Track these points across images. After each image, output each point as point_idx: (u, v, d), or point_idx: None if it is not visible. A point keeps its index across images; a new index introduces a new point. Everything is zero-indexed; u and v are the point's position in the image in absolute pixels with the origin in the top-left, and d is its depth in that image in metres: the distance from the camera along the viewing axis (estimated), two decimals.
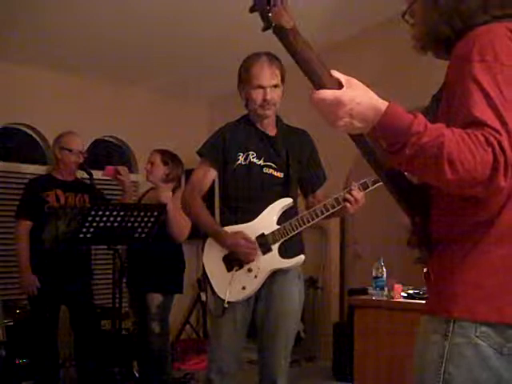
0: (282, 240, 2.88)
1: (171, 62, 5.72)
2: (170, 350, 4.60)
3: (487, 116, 1.26)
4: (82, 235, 3.79)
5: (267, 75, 2.88)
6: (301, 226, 2.86)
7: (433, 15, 1.49)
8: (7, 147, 5.75)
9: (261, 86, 2.89)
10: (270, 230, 2.88)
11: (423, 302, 1.52)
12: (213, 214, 3.28)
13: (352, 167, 5.61)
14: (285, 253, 2.89)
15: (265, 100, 2.90)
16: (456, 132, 1.26)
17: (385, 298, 3.95)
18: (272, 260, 2.88)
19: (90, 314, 4.43)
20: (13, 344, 4.21)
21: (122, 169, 4.39)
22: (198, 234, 3.14)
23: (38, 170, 5.50)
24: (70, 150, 4.33)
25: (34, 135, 5.78)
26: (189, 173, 3.60)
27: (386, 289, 3.98)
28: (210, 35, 5.21)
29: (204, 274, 2.98)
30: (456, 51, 1.41)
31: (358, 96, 1.32)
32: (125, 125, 6.13)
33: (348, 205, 2.78)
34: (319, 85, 1.34)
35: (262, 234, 2.88)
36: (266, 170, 2.96)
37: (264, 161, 2.96)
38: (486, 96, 1.28)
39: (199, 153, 3.04)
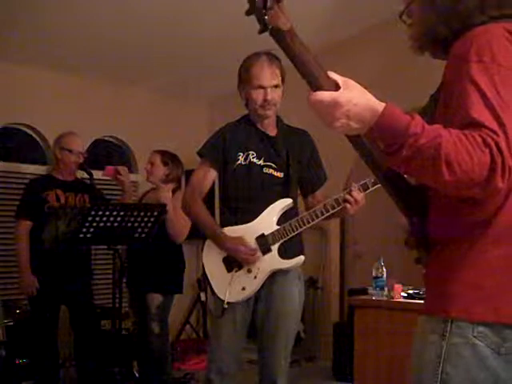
0: (281, 241, 2.88)
1: (171, 62, 5.72)
2: (170, 350, 4.60)
3: (485, 117, 1.26)
4: (81, 235, 3.80)
5: (268, 75, 2.88)
6: (301, 227, 2.86)
7: (430, 15, 1.49)
8: (7, 147, 5.75)
9: (261, 86, 2.89)
10: (270, 231, 2.88)
11: (423, 302, 1.53)
12: (213, 214, 3.28)
13: (353, 167, 5.61)
14: (284, 253, 2.89)
15: (265, 100, 2.90)
16: (453, 133, 1.26)
17: (385, 298, 3.95)
18: (272, 260, 2.88)
19: (90, 314, 4.43)
20: (13, 344, 4.21)
21: (122, 169, 4.39)
22: (198, 234, 3.14)
23: (37, 169, 5.51)
24: (71, 151, 4.33)
25: (34, 135, 5.78)
26: (189, 173, 3.60)
27: (385, 289, 3.98)
28: (209, 35, 5.21)
29: (204, 274, 2.98)
30: (453, 51, 1.41)
31: (354, 97, 1.32)
32: (125, 125, 6.13)
33: (348, 205, 2.78)
34: (316, 86, 1.34)
35: (262, 235, 2.88)
36: (266, 170, 2.96)
37: (264, 161, 2.96)
38: (484, 97, 1.28)
39: (199, 153, 3.04)
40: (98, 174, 4.61)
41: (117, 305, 4.05)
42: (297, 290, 2.96)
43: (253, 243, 2.87)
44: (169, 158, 4.34)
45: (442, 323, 1.39)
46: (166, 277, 4.27)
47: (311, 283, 5.90)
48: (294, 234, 2.87)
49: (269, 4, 1.27)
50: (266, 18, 1.28)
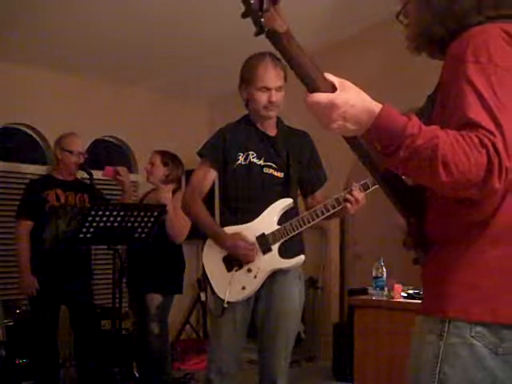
0: (282, 240, 2.88)
1: (171, 62, 5.71)
2: (170, 350, 4.60)
3: (481, 118, 1.26)
4: (81, 235, 3.80)
5: (273, 77, 2.86)
6: (301, 227, 2.86)
7: (426, 16, 1.49)
8: (7, 147, 5.75)
9: (266, 88, 2.88)
10: (271, 230, 2.88)
11: (420, 302, 1.53)
12: (213, 214, 3.29)
13: (353, 168, 5.61)
14: (285, 253, 2.89)
15: (270, 102, 2.90)
16: (450, 134, 1.26)
17: (385, 298, 3.95)
18: (272, 260, 2.88)
19: (90, 314, 4.43)
20: (13, 344, 4.21)
21: (122, 169, 4.40)
22: (198, 234, 3.14)
23: (38, 170, 5.51)
24: (71, 152, 4.34)
25: (34, 135, 5.78)
26: (189, 173, 3.60)
27: (385, 289, 3.98)
28: (210, 35, 5.21)
29: (204, 274, 2.98)
30: (450, 52, 1.41)
31: (351, 99, 1.32)
32: (125, 125, 6.13)
33: (348, 205, 2.79)
34: (313, 88, 1.34)
35: (263, 234, 2.88)
36: (266, 170, 2.96)
37: (264, 161, 2.96)
38: (480, 97, 1.28)
39: (199, 153, 3.04)
40: (97, 174, 4.61)
41: (117, 305, 4.05)
42: (297, 290, 2.96)
43: (254, 241, 2.87)
44: (169, 158, 4.34)
45: (440, 323, 1.39)
46: (166, 277, 4.27)
47: (311, 283, 5.90)
48: (294, 233, 2.87)
49: (265, 6, 1.26)
50: (262, 20, 1.27)
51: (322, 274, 6.08)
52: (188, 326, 6.40)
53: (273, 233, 2.88)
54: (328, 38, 5.50)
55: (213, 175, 3.01)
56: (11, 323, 4.31)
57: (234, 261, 2.88)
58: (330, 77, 1.36)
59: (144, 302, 4.23)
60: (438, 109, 1.43)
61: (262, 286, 2.89)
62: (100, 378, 4.32)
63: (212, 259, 2.93)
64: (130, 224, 3.86)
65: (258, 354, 3.00)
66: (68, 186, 4.36)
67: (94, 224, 3.76)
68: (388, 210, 1.57)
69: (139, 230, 3.93)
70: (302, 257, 2.94)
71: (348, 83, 1.35)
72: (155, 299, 4.21)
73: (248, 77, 2.91)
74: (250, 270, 2.87)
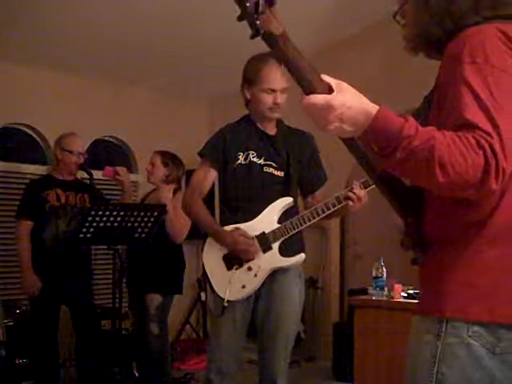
0: (282, 238, 2.88)
1: (171, 62, 5.71)
2: (170, 350, 4.60)
3: (478, 118, 1.26)
4: (81, 235, 3.80)
5: (278, 78, 2.86)
6: (301, 225, 2.87)
7: (424, 16, 1.49)
8: (7, 147, 5.75)
9: (272, 90, 2.88)
10: (271, 229, 2.88)
11: (417, 301, 1.53)
12: (213, 214, 3.28)
13: (354, 167, 5.61)
14: (285, 251, 2.89)
15: (275, 103, 2.90)
16: (447, 135, 1.26)
17: (385, 298, 3.95)
18: (272, 258, 2.87)
19: (91, 314, 4.43)
20: (13, 344, 4.21)
21: (121, 169, 4.39)
22: (198, 234, 3.14)
23: (38, 169, 5.51)
24: (71, 152, 4.34)
25: (34, 135, 5.78)
26: (189, 173, 3.61)
27: (386, 289, 3.98)
28: (210, 35, 5.21)
29: (204, 273, 2.98)
30: (447, 52, 1.41)
31: (348, 100, 1.32)
32: (125, 125, 6.13)
33: (350, 203, 2.78)
34: (310, 89, 1.34)
35: (263, 233, 2.88)
36: (266, 169, 2.96)
37: (264, 160, 2.96)
38: (477, 98, 1.28)
39: (200, 154, 3.04)
40: (97, 174, 4.61)
41: (117, 305, 4.05)
42: (297, 290, 2.96)
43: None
44: (169, 158, 4.34)
45: (437, 323, 1.39)
46: (166, 277, 4.27)
47: (311, 283, 5.90)
48: (294, 231, 2.87)
49: (260, 9, 1.25)
50: (258, 22, 1.26)
51: (322, 274, 6.08)
52: (188, 326, 6.40)
53: (273, 231, 2.88)
54: (329, 37, 5.50)
55: (213, 175, 3.01)
56: (11, 323, 4.31)
57: (234, 259, 2.88)
58: (326, 78, 1.36)
59: (144, 302, 4.23)
60: (434, 109, 1.43)
61: (263, 284, 2.89)
62: (100, 378, 4.32)
63: (212, 258, 2.93)
64: (130, 224, 3.86)
65: (258, 354, 3.00)
66: (68, 186, 4.36)
67: (94, 224, 3.76)
68: (388, 210, 1.57)
69: (139, 229, 3.93)
70: (303, 255, 2.94)
71: (345, 85, 1.35)
72: (155, 299, 4.21)
73: (252, 78, 2.91)
74: (250, 269, 2.87)
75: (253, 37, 1.29)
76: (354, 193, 2.77)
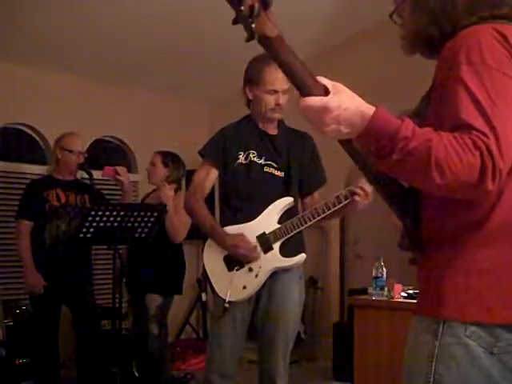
0: (283, 239, 2.88)
1: (171, 62, 5.71)
2: (169, 351, 4.59)
3: (475, 119, 1.26)
4: (82, 235, 3.79)
5: (280, 79, 2.85)
6: (302, 225, 2.86)
7: (421, 16, 1.48)
8: (7, 147, 5.75)
9: (274, 91, 2.88)
10: (271, 229, 2.88)
11: (416, 301, 1.53)
12: (213, 214, 3.28)
13: (352, 167, 5.61)
14: (286, 252, 2.89)
15: (277, 104, 2.91)
16: (444, 136, 1.26)
17: (385, 298, 3.96)
18: (273, 259, 2.87)
19: (91, 315, 4.42)
20: (13, 344, 4.21)
21: (121, 169, 4.39)
22: (199, 235, 3.14)
23: (38, 169, 5.51)
24: (71, 151, 4.34)
25: (34, 135, 5.78)
26: (190, 173, 3.60)
27: (386, 289, 3.98)
28: (210, 35, 5.21)
29: (204, 273, 2.98)
30: (443, 53, 1.41)
31: (344, 102, 1.32)
32: (125, 125, 6.13)
33: (357, 198, 2.77)
34: (306, 92, 1.34)
35: (263, 233, 2.88)
36: (266, 169, 2.96)
37: (265, 160, 2.96)
38: (474, 99, 1.28)
39: (201, 153, 3.04)
40: (97, 174, 4.60)
41: (117, 305, 4.04)
42: (298, 290, 2.96)
43: (254, 242, 2.87)
44: (170, 159, 4.34)
45: (435, 324, 1.39)
46: (166, 278, 4.27)
47: (311, 283, 5.90)
48: (295, 232, 2.87)
49: (256, 12, 1.24)
50: (253, 26, 1.25)
51: (322, 274, 6.08)
52: (188, 326, 6.40)
53: (274, 232, 2.88)
54: (329, 38, 5.50)
55: (214, 175, 3.01)
56: (11, 323, 4.31)
57: (235, 260, 2.88)
58: (322, 80, 1.35)
59: (144, 303, 4.23)
60: (431, 110, 1.43)
61: (263, 285, 2.89)
62: (100, 378, 4.32)
63: (213, 259, 2.93)
64: (130, 224, 3.86)
65: (258, 354, 3.00)
66: (68, 186, 4.35)
67: (94, 224, 3.76)
68: (388, 210, 1.57)
69: (139, 229, 3.92)
70: (304, 255, 2.94)
71: (341, 86, 1.35)
72: (155, 300, 4.21)
73: (254, 78, 2.91)
74: (251, 270, 2.87)
75: (248, 40, 1.29)
76: (362, 188, 2.76)
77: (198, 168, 3.07)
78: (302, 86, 1.34)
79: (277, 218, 2.91)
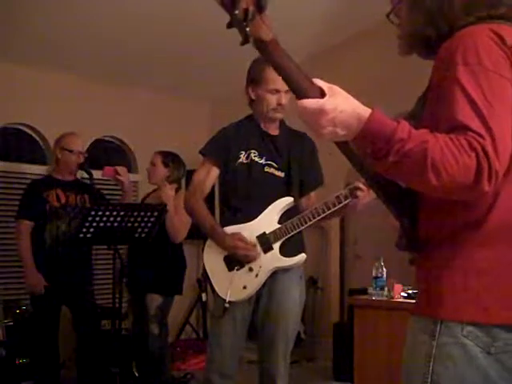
0: (283, 239, 2.88)
1: (172, 62, 5.71)
2: (169, 351, 4.59)
3: (471, 120, 1.26)
4: (82, 235, 3.79)
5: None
6: (302, 225, 2.87)
7: (418, 16, 1.48)
8: (7, 147, 5.75)
9: (277, 90, 2.89)
10: (271, 229, 2.88)
11: (414, 301, 1.53)
12: (213, 214, 3.28)
13: (351, 168, 5.61)
14: (286, 251, 2.90)
15: (279, 104, 2.91)
16: (440, 137, 1.26)
17: (385, 298, 3.96)
18: (273, 259, 2.88)
19: (91, 315, 4.42)
20: (13, 344, 4.21)
21: (121, 169, 4.39)
22: (199, 235, 3.13)
23: (38, 169, 5.51)
24: (71, 151, 4.34)
25: (34, 135, 5.78)
26: (190, 173, 3.60)
27: (386, 289, 3.98)
28: (210, 35, 5.20)
29: (205, 273, 2.98)
30: (440, 53, 1.41)
31: (340, 104, 1.32)
32: (125, 125, 6.13)
33: (359, 193, 2.77)
34: (302, 94, 1.34)
35: (264, 233, 2.88)
36: (267, 169, 2.96)
37: (266, 160, 2.96)
38: (470, 100, 1.28)
39: (202, 152, 3.04)
40: (97, 174, 4.60)
41: (117, 305, 4.04)
42: (298, 290, 2.96)
43: (254, 241, 2.87)
44: (170, 159, 4.34)
45: (432, 324, 1.39)
46: (166, 278, 4.27)
47: (311, 283, 5.90)
48: (295, 231, 2.87)
49: (250, 15, 1.24)
50: (248, 29, 1.25)
51: (322, 274, 6.08)
52: (188, 326, 6.40)
53: (274, 231, 2.88)
54: (329, 39, 5.50)
55: (215, 174, 3.01)
56: (11, 323, 4.31)
57: (235, 260, 2.88)
58: (318, 82, 1.35)
59: (144, 303, 4.23)
60: (427, 111, 1.43)
61: (264, 284, 2.89)
62: (100, 378, 4.32)
63: (213, 259, 2.93)
64: (130, 224, 3.86)
65: (258, 354, 3.00)
66: (68, 187, 4.35)
67: (94, 224, 3.76)
68: (387, 210, 1.57)
69: (139, 229, 3.92)
70: (304, 255, 2.94)
71: (337, 88, 1.35)
72: (155, 300, 4.21)
73: (257, 78, 2.92)
74: (251, 269, 2.87)
75: (242, 44, 1.28)
76: (365, 184, 2.76)
77: (198, 167, 3.07)
78: (298, 89, 1.35)
79: (277, 218, 2.91)
